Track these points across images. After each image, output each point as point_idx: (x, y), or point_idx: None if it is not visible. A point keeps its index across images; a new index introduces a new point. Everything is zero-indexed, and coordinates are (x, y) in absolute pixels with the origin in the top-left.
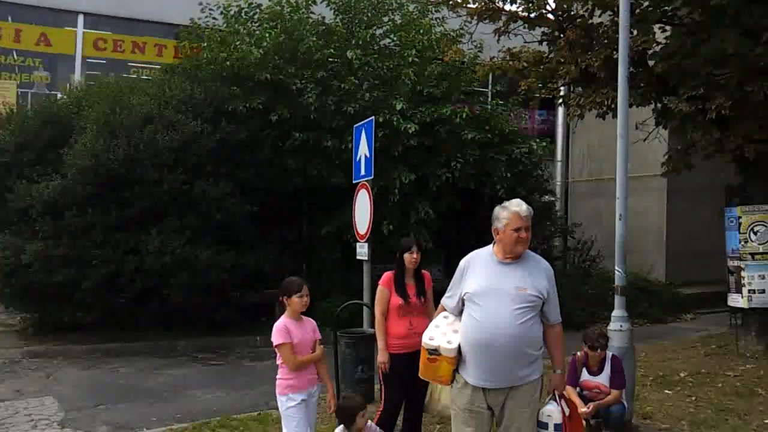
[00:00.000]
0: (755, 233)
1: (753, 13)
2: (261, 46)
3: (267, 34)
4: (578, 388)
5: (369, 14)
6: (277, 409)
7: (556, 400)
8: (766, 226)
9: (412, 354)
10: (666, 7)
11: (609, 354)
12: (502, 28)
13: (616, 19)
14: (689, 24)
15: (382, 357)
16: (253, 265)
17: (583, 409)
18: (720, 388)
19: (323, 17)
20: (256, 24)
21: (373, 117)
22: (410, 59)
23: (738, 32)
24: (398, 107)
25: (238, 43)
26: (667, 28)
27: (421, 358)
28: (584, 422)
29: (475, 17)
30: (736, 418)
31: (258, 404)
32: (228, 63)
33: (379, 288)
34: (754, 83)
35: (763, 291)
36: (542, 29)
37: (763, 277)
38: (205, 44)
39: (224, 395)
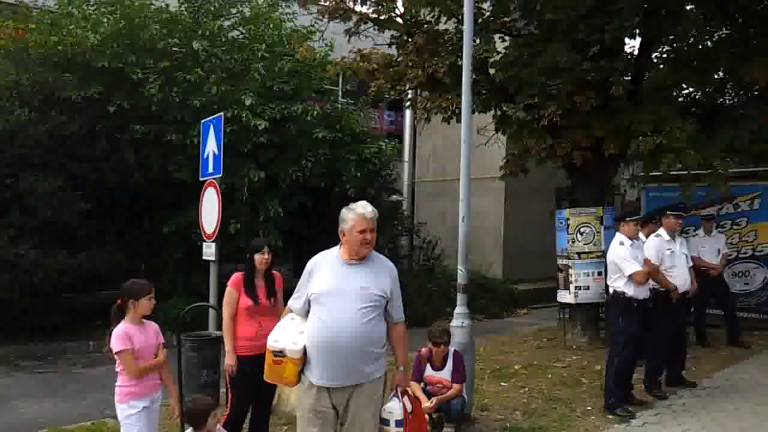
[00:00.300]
0: (581, 234)
1: (582, 29)
2: (98, 32)
3: (105, 19)
4: (422, 384)
5: (216, 4)
6: (113, 417)
7: (398, 397)
8: (591, 227)
9: (261, 356)
10: (506, 18)
11: (451, 349)
12: (353, 29)
13: (460, 27)
14: (526, 36)
15: (229, 360)
16: (86, 265)
17: (426, 404)
18: (550, 379)
19: (167, 5)
20: (93, 8)
21: (222, 113)
22: (260, 54)
23: (569, 47)
24: (247, 102)
25: (71, 26)
26: (507, 38)
27: (266, 360)
28: (427, 417)
29: (326, 16)
30: (563, 406)
31: (91, 413)
32: (60, 48)
33: (228, 290)
34: (582, 95)
35: (588, 288)
36: (391, 32)
37: (588, 275)
38: (34, 26)
39: (52, 405)
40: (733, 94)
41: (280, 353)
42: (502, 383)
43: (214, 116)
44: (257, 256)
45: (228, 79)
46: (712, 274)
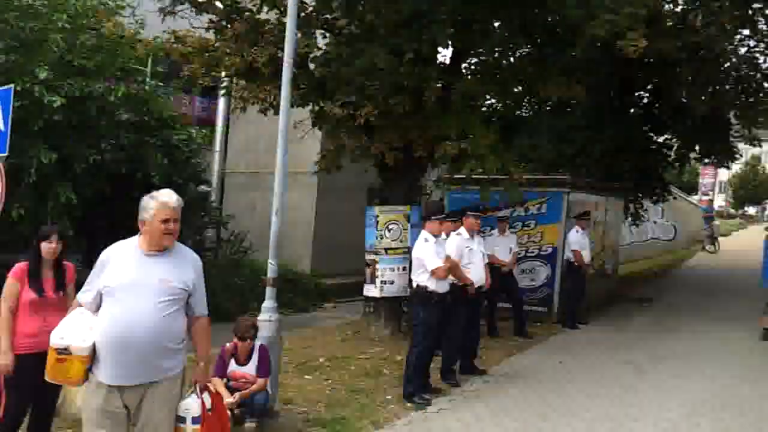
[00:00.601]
0: (390, 231)
1: (400, 35)
2: None
3: None
4: (226, 379)
5: None
6: None
7: (197, 393)
8: (398, 225)
9: (44, 354)
10: (328, 16)
11: (257, 344)
12: (168, 8)
13: (282, 18)
14: (347, 35)
15: (4, 359)
16: None
17: (228, 399)
18: (353, 371)
19: None
20: None
21: (12, 86)
22: (60, 24)
23: (388, 50)
24: (42, 76)
25: None
26: (328, 35)
27: (48, 358)
28: (229, 412)
29: None
30: (364, 396)
31: None
32: None
33: (9, 281)
34: (398, 97)
35: (393, 282)
36: (210, 16)
37: (394, 270)
38: None
39: None
40: (530, 107)
41: (65, 350)
42: (306, 376)
43: (2, 88)
44: (44, 245)
45: (20, 49)
46: (504, 271)
